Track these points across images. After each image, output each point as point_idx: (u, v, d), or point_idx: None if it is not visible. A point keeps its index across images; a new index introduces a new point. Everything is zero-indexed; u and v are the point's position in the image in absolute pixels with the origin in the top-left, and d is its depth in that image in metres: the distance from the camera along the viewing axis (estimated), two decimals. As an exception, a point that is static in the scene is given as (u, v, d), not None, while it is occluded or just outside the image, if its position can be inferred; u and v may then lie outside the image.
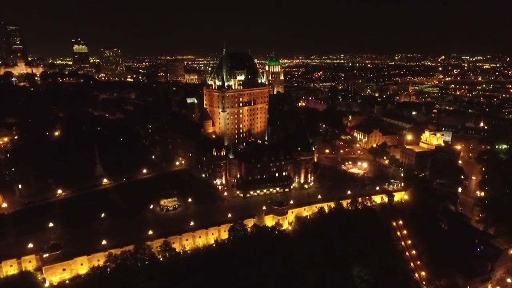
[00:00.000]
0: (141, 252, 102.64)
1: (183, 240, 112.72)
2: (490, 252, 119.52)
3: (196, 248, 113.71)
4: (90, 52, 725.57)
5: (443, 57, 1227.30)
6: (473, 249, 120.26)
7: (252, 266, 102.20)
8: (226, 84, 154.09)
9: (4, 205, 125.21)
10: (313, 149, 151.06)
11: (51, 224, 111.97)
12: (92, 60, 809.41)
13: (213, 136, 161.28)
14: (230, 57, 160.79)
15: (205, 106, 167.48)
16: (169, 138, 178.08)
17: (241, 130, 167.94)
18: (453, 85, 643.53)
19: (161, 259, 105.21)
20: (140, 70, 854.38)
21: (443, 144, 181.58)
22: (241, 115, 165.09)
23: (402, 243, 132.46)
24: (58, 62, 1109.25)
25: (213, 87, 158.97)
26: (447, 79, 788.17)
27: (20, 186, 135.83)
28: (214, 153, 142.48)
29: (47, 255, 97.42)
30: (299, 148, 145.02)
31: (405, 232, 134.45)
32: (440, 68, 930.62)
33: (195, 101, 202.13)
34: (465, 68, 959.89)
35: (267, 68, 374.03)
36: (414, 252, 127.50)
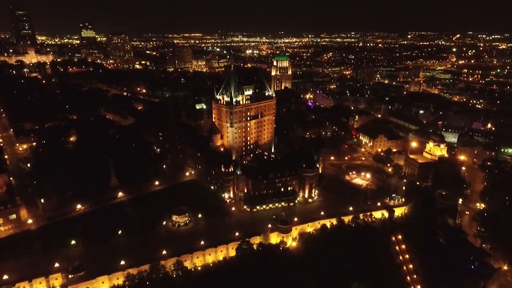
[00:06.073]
0: (156, 272, 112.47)
1: (194, 258, 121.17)
2: (483, 270, 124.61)
3: (206, 265, 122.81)
4: (97, 31, 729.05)
5: (458, 35, 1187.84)
6: (467, 266, 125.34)
7: (257, 282, 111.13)
8: (234, 100, 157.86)
9: (30, 221, 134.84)
10: (318, 166, 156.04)
11: (73, 242, 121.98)
12: (98, 39, 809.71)
13: (221, 149, 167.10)
14: (238, 72, 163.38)
15: (213, 120, 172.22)
16: (179, 148, 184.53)
17: (248, 143, 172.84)
18: (466, 70, 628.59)
19: (174, 276, 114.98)
20: (148, 52, 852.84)
21: (446, 155, 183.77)
22: (248, 128, 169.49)
23: (400, 257, 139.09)
24: (65, 40, 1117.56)
25: (222, 102, 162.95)
26: (460, 62, 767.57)
27: (42, 200, 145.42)
28: (222, 168, 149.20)
29: (72, 276, 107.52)
30: (304, 165, 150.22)
31: (403, 246, 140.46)
32: (454, 49, 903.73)
33: (204, 106, 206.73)
34: (481, 48, 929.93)
35: (275, 63, 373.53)
36: (411, 266, 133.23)
